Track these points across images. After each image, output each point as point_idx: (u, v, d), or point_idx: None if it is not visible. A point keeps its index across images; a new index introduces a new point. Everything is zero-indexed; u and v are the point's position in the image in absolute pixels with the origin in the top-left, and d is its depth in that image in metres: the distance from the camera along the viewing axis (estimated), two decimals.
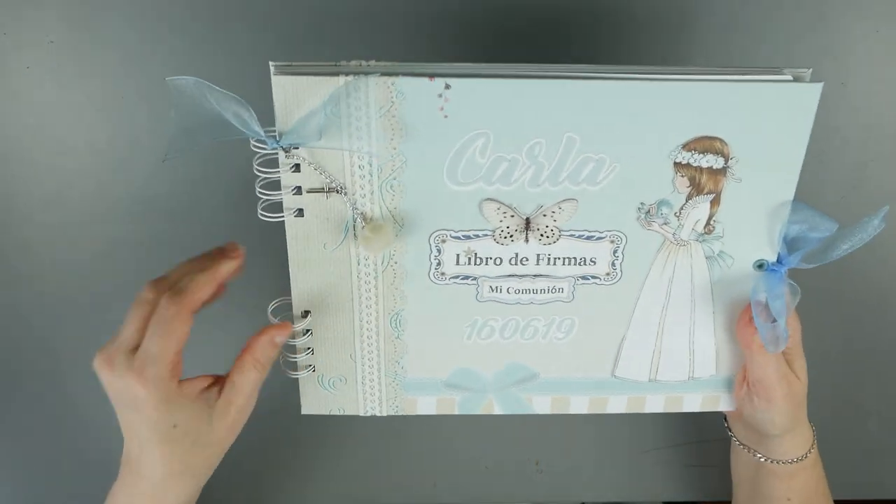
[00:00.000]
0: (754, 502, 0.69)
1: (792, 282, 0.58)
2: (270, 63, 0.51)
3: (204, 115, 0.51)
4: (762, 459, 0.66)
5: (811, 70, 0.53)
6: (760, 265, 0.58)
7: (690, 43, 0.74)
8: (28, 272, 0.77)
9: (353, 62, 0.52)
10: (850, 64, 0.75)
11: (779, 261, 0.58)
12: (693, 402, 0.65)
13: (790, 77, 0.53)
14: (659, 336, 0.61)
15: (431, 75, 0.51)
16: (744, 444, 0.68)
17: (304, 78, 0.51)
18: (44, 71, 0.72)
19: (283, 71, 0.51)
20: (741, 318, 0.60)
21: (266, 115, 0.52)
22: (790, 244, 0.57)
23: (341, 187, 0.54)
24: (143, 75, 0.72)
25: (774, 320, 0.57)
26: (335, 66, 0.52)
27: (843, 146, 0.77)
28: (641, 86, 0.52)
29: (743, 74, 0.52)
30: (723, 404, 0.65)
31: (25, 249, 0.77)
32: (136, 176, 0.75)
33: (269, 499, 0.84)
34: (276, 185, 0.55)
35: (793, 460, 0.65)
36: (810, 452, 0.66)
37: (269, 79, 0.51)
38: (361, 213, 0.55)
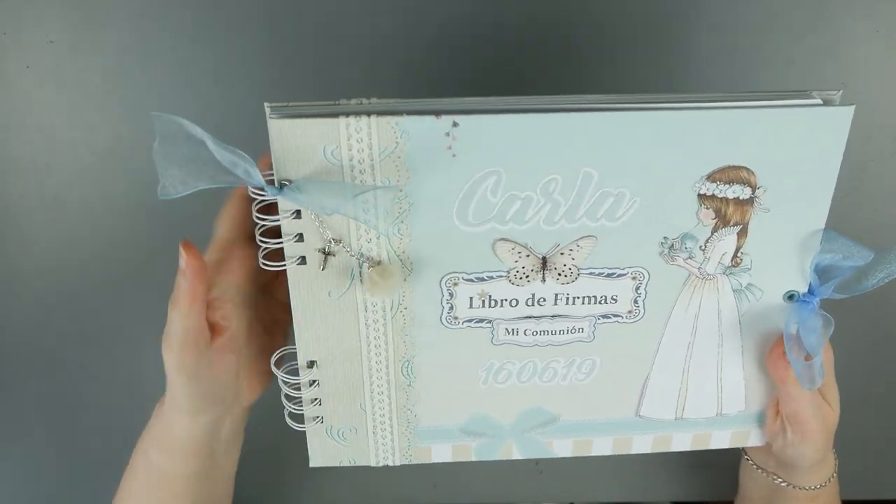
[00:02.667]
0: None
1: (825, 313, 0.55)
2: (266, 105, 0.48)
3: (197, 154, 0.48)
4: (783, 484, 0.63)
5: (840, 92, 0.49)
6: (791, 297, 0.55)
7: (690, 43, 0.73)
8: (28, 272, 0.77)
9: (354, 101, 0.49)
10: (851, 64, 0.74)
11: (810, 292, 0.55)
12: (722, 439, 0.62)
13: (819, 101, 0.49)
14: (685, 373, 0.58)
15: (437, 113, 0.48)
16: (763, 469, 0.65)
17: (302, 121, 0.48)
18: (44, 71, 0.71)
19: (279, 113, 0.48)
20: (772, 351, 0.57)
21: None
22: (822, 274, 0.54)
23: (338, 241, 0.51)
24: (143, 75, 0.71)
25: (808, 356, 0.54)
26: (334, 105, 0.48)
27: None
28: (662, 116, 0.48)
29: (769, 99, 0.49)
30: (753, 439, 0.62)
31: (25, 249, 0.76)
32: (136, 176, 0.74)
33: (266, 498, 0.83)
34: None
35: (816, 486, 0.62)
36: (833, 477, 0.63)
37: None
38: (368, 259, 0.52)
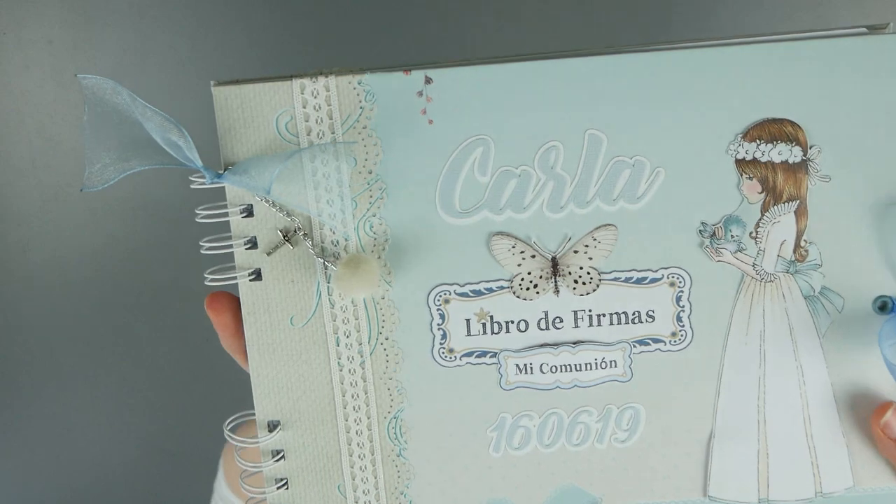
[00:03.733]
0: None
1: None
2: (212, 82, 0.42)
3: (129, 128, 0.41)
4: None
5: (891, 24, 0.41)
6: (883, 305, 0.42)
7: None
8: (28, 271, 0.77)
9: (313, 70, 0.42)
10: None
11: None
12: None
13: (864, 30, 0.41)
14: (761, 428, 0.44)
15: (407, 68, 0.41)
16: None
17: (250, 86, 0.41)
18: (44, 71, 0.72)
19: (225, 83, 0.41)
20: (876, 415, 0.43)
21: None
22: None
23: (298, 228, 0.42)
24: (143, 75, 0.72)
25: None
26: (290, 76, 0.42)
27: None
28: (676, 56, 0.40)
29: (806, 32, 0.41)
30: None
31: (25, 249, 0.76)
32: (136, 175, 0.74)
33: None
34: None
35: None
36: None
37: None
38: (332, 255, 0.42)
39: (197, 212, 0.42)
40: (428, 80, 0.41)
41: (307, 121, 0.41)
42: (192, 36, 0.72)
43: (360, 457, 0.44)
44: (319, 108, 0.41)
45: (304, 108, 0.41)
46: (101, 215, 0.75)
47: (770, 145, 0.41)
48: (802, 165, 0.41)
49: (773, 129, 0.41)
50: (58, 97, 0.72)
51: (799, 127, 0.41)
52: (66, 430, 0.81)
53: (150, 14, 0.72)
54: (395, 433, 0.44)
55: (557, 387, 0.44)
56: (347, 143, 0.41)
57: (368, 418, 0.44)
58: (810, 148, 0.41)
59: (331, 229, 0.42)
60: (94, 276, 0.77)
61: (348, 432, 0.44)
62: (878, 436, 0.43)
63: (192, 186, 0.42)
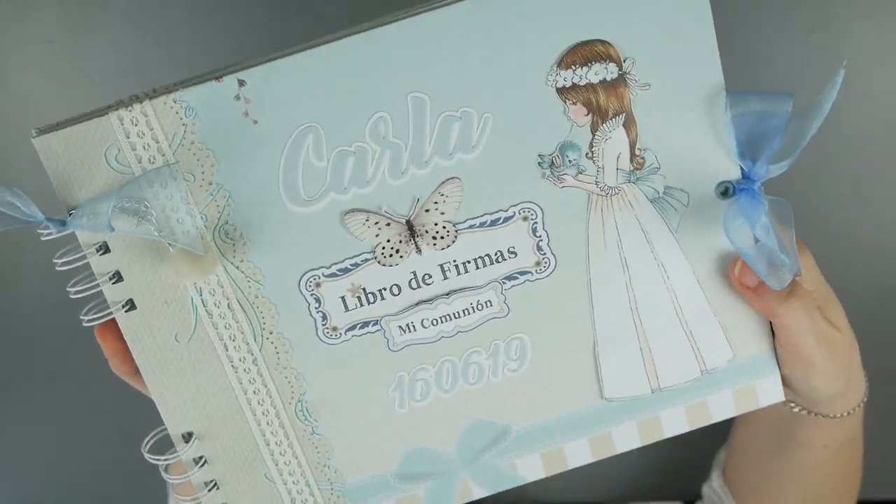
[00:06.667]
0: (778, 447, 0.55)
1: (774, 198, 0.44)
2: (33, 129, 0.42)
3: None
4: (799, 411, 0.51)
5: None
6: (725, 191, 0.44)
7: None
8: (28, 272, 0.77)
9: (127, 99, 0.42)
10: (852, 64, 0.72)
11: (745, 175, 0.44)
12: (724, 405, 0.49)
13: None
14: (638, 327, 0.47)
15: (218, 76, 0.41)
16: None
17: (68, 130, 0.41)
18: (44, 71, 0.71)
19: (46, 131, 0.41)
20: (731, 272, 0.46)
21: None
22: (749, 148, 0.44)
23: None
24: (143, 75, 0.71)
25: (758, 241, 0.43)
26: (106, 110, 0.42)
27: (843, 146, 0.74)
28: (468, 6, 0.41)
29: None
30: (764, 396, 0.49)
31: (24, 249, 0.76)
32: None
33: None
34: None
35: (841, 414, 0.51)
36: (863, 402, 0.52)
37: None
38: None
39: (54, 261, 0.43)
40: (241, 83, 0.41)
41: (135, 149, 0.41)
42: (192, 36, 0.71)
43: (277, 443, 0.47)
44: (143, 134, 0.41)
45: (129, 137, 0.41)
46: None
47: (585, 68, 0.42)
48: (621, 79, 0.42)
49: (585, 52, 0.42)
50: (58, 97, 0.71)
51: (609, 44, 0.42)
52: (66, 429, 0.82)
53: (149, 14, 0.70)
54: (303, 415, 0.46)
55: (442, 337, 0.46)
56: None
57: (275, 408, 0.46)
58: (624, 61, 0.42)
59: (188, 248, 0.43)
60: (94, 276, 0.80)
61: (259, 425, 0.46)
62: (738, 288, 0.46)
63: (42, 238, 0.42)
